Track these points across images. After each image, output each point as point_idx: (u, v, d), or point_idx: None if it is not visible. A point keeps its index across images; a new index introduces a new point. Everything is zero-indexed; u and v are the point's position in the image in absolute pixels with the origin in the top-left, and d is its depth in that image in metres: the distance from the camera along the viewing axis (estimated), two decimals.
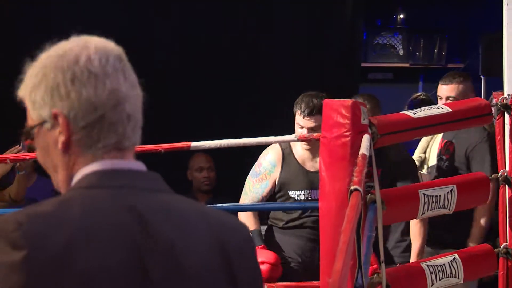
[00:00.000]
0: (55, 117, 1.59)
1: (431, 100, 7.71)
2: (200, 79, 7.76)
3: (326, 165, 3.34)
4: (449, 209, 3.74)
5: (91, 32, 1.70)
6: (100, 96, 1.58)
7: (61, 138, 1.60)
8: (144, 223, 1.54)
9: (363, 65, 9.42)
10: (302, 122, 4.80)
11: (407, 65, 9.85)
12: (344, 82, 8.44)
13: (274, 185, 4.91)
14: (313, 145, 4.71)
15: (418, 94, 8.43)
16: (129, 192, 1.58)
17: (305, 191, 4.86)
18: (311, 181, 4.81)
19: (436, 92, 5.55)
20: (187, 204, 1.65)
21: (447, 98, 5.29)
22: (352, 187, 2.68)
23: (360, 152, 3.07)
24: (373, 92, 9.22)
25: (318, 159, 4.57)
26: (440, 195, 3.64)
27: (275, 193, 4.95)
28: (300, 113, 4.82)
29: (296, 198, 4.89)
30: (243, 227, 1.72)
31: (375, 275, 3.25)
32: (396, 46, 9.87)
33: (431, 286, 3.62)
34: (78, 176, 1.60)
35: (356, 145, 3.24)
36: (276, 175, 4.88)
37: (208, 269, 1.58)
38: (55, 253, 1.47)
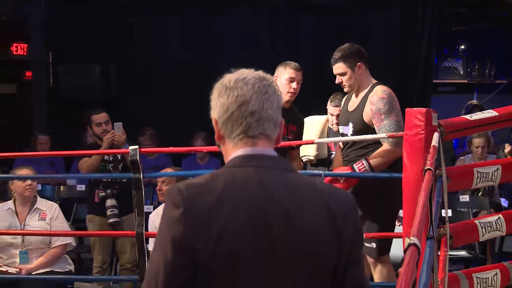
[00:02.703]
0: (213, 120, 1.67)
1: (482, 106, 7.53)
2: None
3: (408, 153, 3.32)
4: (495, 182, 3.66)
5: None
6: (229, 100, 1.61)
7: (216, 134, 1.66)
8: (269, 193, 1.55)
9: (434, 81, 9.39)
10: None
11: (465, 81, 9.76)
12: (421, 93, 8.50)
13: None
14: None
15: (473, 101, 8.29)
16: (261, 170, 1.58)
17: None
18: None
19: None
20: (304, 180, 1.62)
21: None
22: (426, 167, 2.66)
23: (432, 144, 3.04)
24: (441, 100, 9.19)
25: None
26: (489, 172, 3.56)
27: None
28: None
29: None
30: (348, 196, 1.65)
31: (442, 229, 3.21)
32: (458, 68, 9.76)
33: (482, 237, 3.55)
34: (229, 158, 1.64)
35: (428, 139, 3.20)
36: None
37: (317, 228, 1.56)
38: (201, 214, 1.52)
